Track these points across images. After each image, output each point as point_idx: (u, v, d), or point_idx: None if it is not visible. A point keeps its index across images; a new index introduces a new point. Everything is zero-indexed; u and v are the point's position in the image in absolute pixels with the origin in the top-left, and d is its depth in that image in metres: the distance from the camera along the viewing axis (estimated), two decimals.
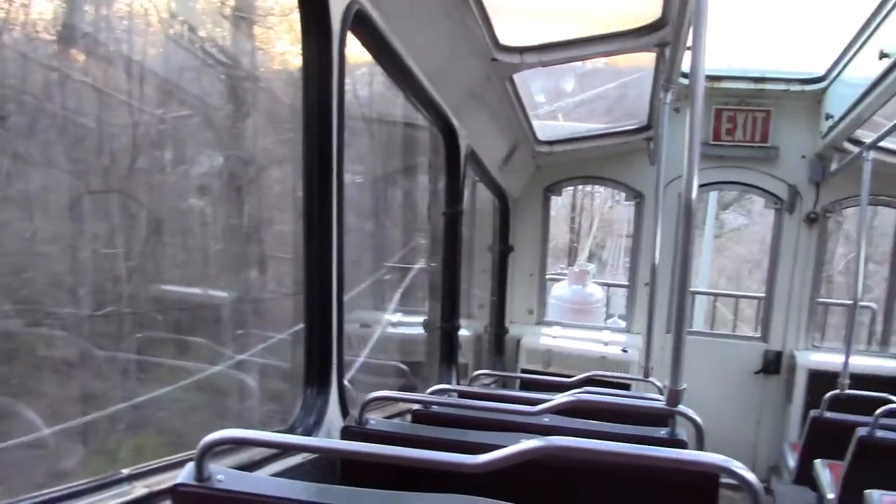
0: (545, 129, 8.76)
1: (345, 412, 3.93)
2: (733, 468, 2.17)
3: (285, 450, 3.22)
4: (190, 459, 2.23)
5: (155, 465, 2.80)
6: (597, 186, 36.44)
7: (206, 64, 4.13)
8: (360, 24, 3.87)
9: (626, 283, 10.88)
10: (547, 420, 3.75)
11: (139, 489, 2.66)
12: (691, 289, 4.71)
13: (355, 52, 4.32)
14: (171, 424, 3.94)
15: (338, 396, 3.88)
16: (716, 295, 20.41)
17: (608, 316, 14.74)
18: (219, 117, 4.36)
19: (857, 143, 8.09)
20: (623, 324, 10.70)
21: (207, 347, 4.21)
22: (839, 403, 6.87)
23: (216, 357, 4.24)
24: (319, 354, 3.80)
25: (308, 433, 3.68)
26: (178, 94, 3.99)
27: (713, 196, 22.87)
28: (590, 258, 33.72)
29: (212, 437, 2.23)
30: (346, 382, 4.03)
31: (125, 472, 2.69)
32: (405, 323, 7.25)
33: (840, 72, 8.32)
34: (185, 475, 2.22)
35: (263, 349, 4.76)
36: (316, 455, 3.38)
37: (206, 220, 4.33)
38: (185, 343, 4.02)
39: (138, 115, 3.73)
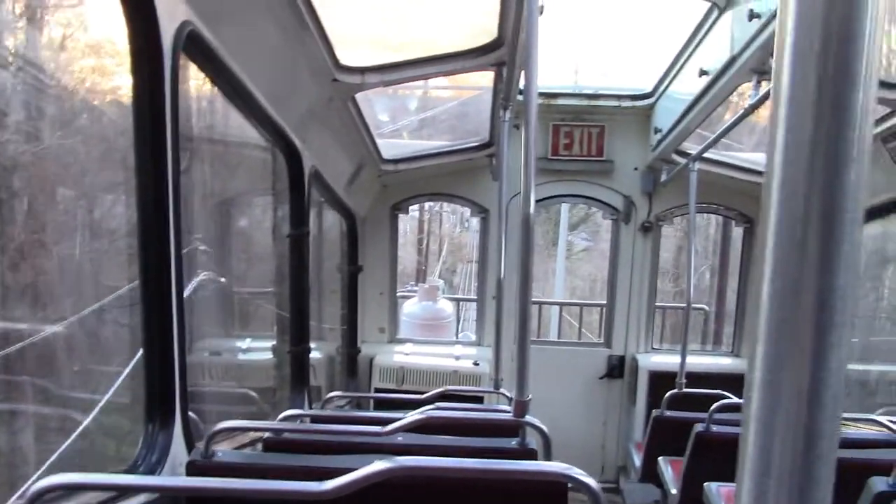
0: (390, 147, 8.81)
1: (190, 445, 3.78)
2: (574, 475, 2.25)
3: (125, 492, 3.06)
4: None
5: None
6: (445, 209, 36.99)
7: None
8: (194, 45, 3.77)
9: (475, 297, 11.06)
10: (400, 439, 3.75)
11: None
12: (534, 299, 4.85)
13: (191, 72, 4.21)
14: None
15: (182, 429, 3.73)
16: (561, 304, 21.09)
17: (459, 330, 14.95)
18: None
19: (683, 154, 8.57)
20: (474, 337, 10.87)
21: (33, 385, 3.95)
22: (678, 402, 7.23)
23: (46, 396, 3.99)
24: (160, 385, 3.65)
25: (151, 471, 3.52)
26: None
27: (564, 215, 23.62)
28: None
29: (41, 485, 2.09)
30: (191, 414, 3.88)
31: None
32: (254, 348, 7.07)
33: (666, 88, 8.80)
34: None
35: (101, 382, 4.52)
36: (158, 495, 3.24)
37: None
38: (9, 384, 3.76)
39: None
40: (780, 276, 0.93)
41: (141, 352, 3.69)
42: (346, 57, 5.85)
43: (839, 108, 0.90)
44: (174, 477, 3.44)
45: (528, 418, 3.52)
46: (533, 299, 3.82)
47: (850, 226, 0.90)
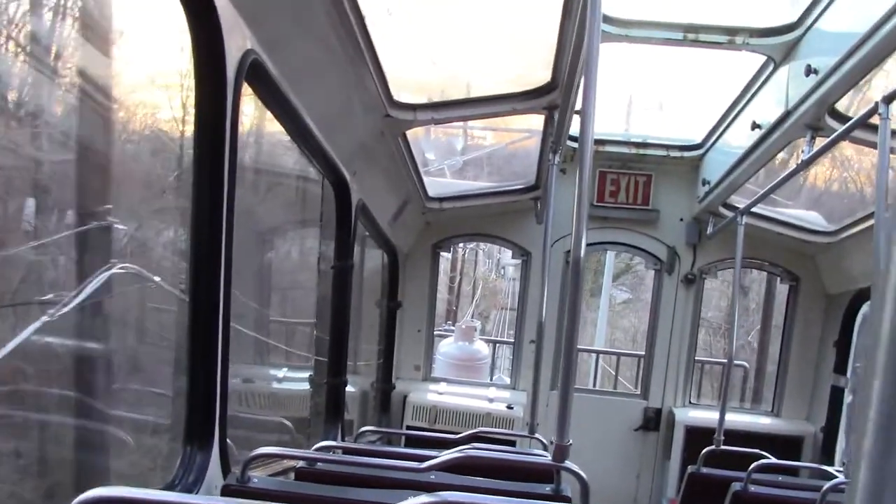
0: (435, 185, 8.87)
1: (226, 470, 3.79)
2: None
3: None
4: None
5: None
6: (481, 249, 36.92)
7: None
8: (256, 74, 3.84)
9: (512, 340, 11.00)
10: (433, 477, 3.72)
11: None
12: (578, 346, 4.81)
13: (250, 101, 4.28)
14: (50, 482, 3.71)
15: (219, 453, 3.74)
16: (599, 352, 20.89)
17: (493, 373, 14.85)
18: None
19: (731, 208, 8.50)
20: (508, 380, 10.80)
21: (84, 402, 3.99)
22: (715, 459, 7.09)
23: (94, 413, 4.03)
24: (201, 409, 3.67)
25: (187, 491, 3.53)
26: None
27: (609, 263, 23.49)
28: None
29: (85, 497, 2.11)
30: (227, 440, 3.89)
31: None
32: (291, 378, 7.10)
33: (716, 140, 8.77)
34: None
35: (145, 403, 4.56)
36: None
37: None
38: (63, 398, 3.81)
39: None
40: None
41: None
42: (400, 94, 5.93)
43: None
44: (211, 498, 3.44)
45: (567, 463, 3.47)
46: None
47: None
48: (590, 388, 14.28)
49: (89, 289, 3.72)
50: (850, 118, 5.18)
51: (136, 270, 4.21)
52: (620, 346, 32.20)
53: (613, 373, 19.76)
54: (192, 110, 3.52)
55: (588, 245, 9.97)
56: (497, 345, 18.64)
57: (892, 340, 0.90)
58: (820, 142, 5.55)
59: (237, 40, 3.51)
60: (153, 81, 4.27)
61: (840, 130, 5.07)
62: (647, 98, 10.26)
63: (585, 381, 18.25)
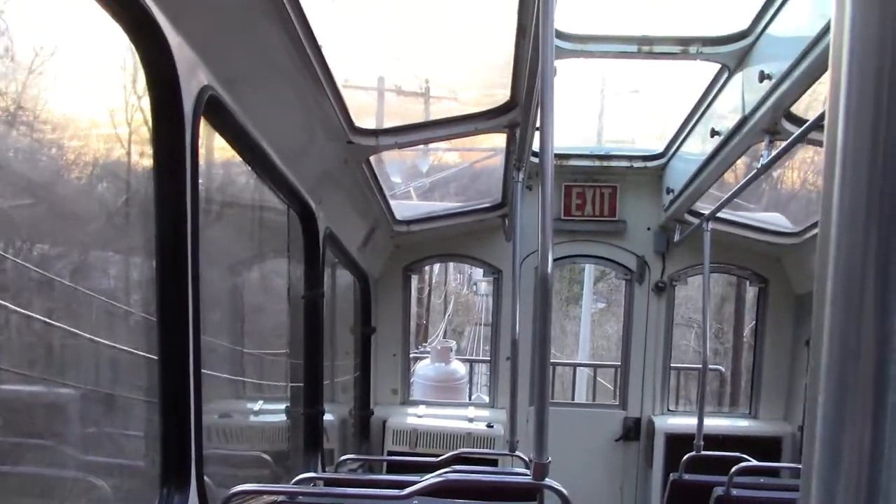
0: (403, 208, 8.87)
1: None
2: None
3: None
4: None
5: None
6: (451, 267, 36.93)
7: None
8: (213, 109, 3.83)
9: (488, 358, 10.99)
10: (416, 503, 3.69)
11: None
12: (551, 361, 4.81)
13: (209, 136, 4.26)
14: None
15: (197, 493, 3.69)
16: (575, 366, 20.93)
17: (472, 392, 14.82)
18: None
19: (696, 214, 8.58)
20: (487, 399, 10.77)
21: (52, 450, 3.92)
22: (696, 465, 7.11)
23: (63, 461, 3.96)
24: (176, 448, 3.62)
25: None
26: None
27: (589, 275, 23.59)
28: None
29: None
30: (205, 478, 3.84)
31: None
32: (268, 411, 7.03)
33: (677, 149, 8.86)
34: None
35: (119, 446, 4.48)
36: None
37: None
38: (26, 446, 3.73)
39: None
40: (838, 339, 0.92)
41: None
42: (361, 120, 5.94)
43: (893, 155, 0.90)
44: None
45: (547, 481, 3.46)
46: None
47: None
48: (568, 401, 14.27)
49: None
50: (805, 121, 5.26)
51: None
52: (605, 354, 32.32)
53: (605, 384, 19.78)
54: (149, 149, 3.50)
55: (557, 259, 10.08)
56: (474, 363, 18.63)
57: (834, 336, 0.94)
58: (778, 145, 5.63)
59: (193, 77, 3.50)
60: (109, 119, 4.23)
61: (796, 134, 5.15)
62: (610, 110, 10.39)
63: (569, 395, 18.24)
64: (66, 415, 4.09)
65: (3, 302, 3.47)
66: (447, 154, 9.63)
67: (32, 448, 3.78)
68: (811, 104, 5.66)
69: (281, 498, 4.13)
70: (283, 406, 6.82)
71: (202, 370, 3.75)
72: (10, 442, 3.65)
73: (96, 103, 4.04)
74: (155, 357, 3.63)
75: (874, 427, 0.91)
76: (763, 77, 5.37)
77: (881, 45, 0.91)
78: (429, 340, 27.85)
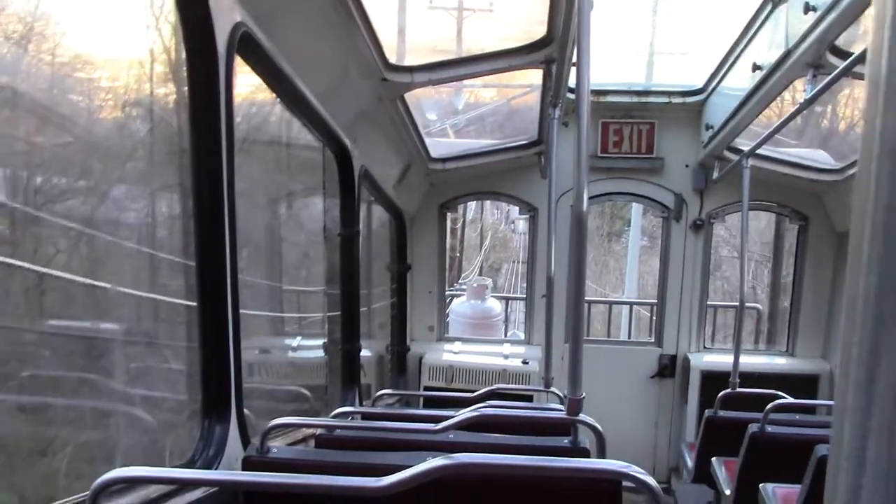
0: (438, 146, 8.83)
1: (245, 442, 3.84)
2: (633, 473, 2.23)
3: (184, 485, 3.12)
4: (83, 502, 2.15)
5: None
6: (487, 203, 36.80)
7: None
8: (247, 46, 3.82)
9: (524, 295, 11.03)
10: (451, 437, 3.75)
11: None
12: (586, 299, 4.85)
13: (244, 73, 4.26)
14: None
15: (237, 426, 3.79)
16: (611, 303, 20.90)
17: (507, 330, 14.92)
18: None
19: (736, 151, 8.45)
20: (522, 336, 10.84)
21: (97, 383, 4.04)
22: (732, 402, 7.13)
23: (109, 393, 4.08)
24: (216, 382, 3.70)
25: (208, 466, 3.58)
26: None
27: (637, 212, 23.37)
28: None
29: (104, 478, 2.15)
30: (245, 410, 3.94)
31: None
32: (306, 346, 7.15)
33: (717, 84, 8.69)
34: None
35: (161, 378, 4.60)
36: (217, 488, 3.29)
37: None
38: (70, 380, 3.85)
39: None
40: (875, 276, 0.91)
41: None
42: (395, 56, 5.89)
43: None
44: (232, 472, 3.49)
45: (581, 416, 3.51)
46: (589, 298, 3.81)
47: None
48: (603, 338, 14.31)
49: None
50: (851, 54, 5.12)
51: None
52: (651, 290, 32.18)
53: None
54: (185, 87, 3.51)
55: (593, 197, 10.02)
56: (510, 301, 18.72)
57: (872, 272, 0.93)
58: (822, 80, 5.49)
59: (226, 14, 3.49)
60: (144, 58, 4.25)
61: (841, 67, 5.01)
62: (648, 46, 10.16)
63: (613, 332, 18.21)
64: (113, 353, 4.22)
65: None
66: (482, 91, 9.54)
67: (84, 382, 3.91)
68: (855, 36, 5.49)
69: (319, 431, 4.22)
70: (321, 342, 6.94)
71: (240, 307, 3.81)
72: (66, 377, 3.77)
73: (131, 42, 4.06)
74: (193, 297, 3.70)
75: None
76: (808, 9, 5.22)
77: None
78: (462, 276, 27.82)
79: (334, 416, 4.53)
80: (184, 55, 3.48)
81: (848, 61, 4.86)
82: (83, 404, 3.85)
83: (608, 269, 35.91)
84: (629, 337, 18.43)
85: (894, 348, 0.92)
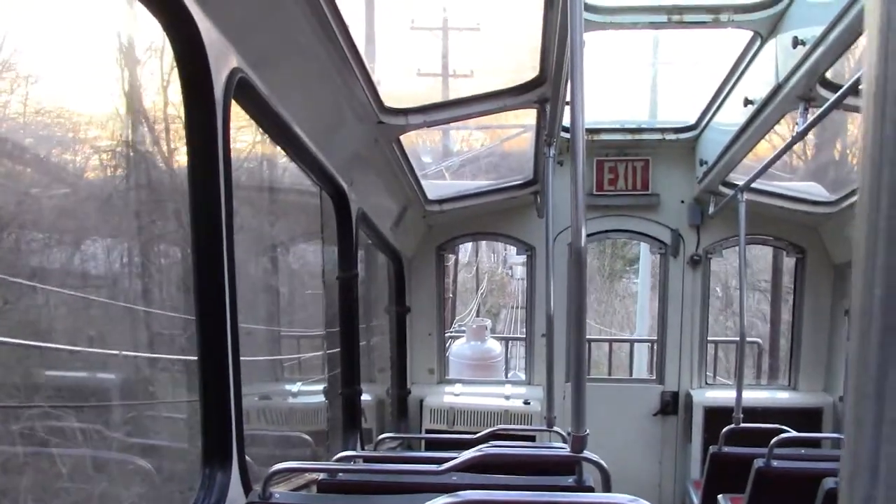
0: (434, 188, 8.87)
1: (248, 488, 3.79)
2: None
3: None
4: None
5: None
6: (483, 246, 36.75)
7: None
8: (244, 92, 3.84)
9: (523, 336, 11.00)
10: (455, 479, 3.72)
11: None
12: (588, 337, 4.83)
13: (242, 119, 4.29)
14: None
15: (239, 472, 3.74)
16: (611, 341, 20.83)
17: (508, 371, 14.85)
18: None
19: (730, 186, 8.49)
20: (523, 376, 10.78)
21: (98, 433, 4.01)
22: (736, 438, 7.08)
23: (109, 442, 4.04)
24: (217, 428, 3.67)
25: None
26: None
27: (644, 250, 23.37)
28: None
29: None
30: (247, 456, 3.90)
31: None
32: (306, 391, 7.11)
33: (710, 119, 8.75)
34: None
35: (161, 427, 4.57)
36: None
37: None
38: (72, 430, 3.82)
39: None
40: (879, 313, 0.91)
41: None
42: (390, 99, 5.94)
43: None
44: None
45: (586, 454, 3.47)
46: (590, 336, 3.80)
47: None
48: (605, 376, 14.23)
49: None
50: (840, 86, 5.18)
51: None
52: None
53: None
54: (182, 134, 3.53)
55: (590, 235, 10.03)
56: (510, 342, 18.64)
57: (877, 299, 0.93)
58: (813, 112, 5.54)
59: (223, 60, 3.52)
60: (142, 106, 4.28)
61: (832, 100, 5.06)
62: (640, 83, 10.23)
63: (622, 373, 18.07)
64: (111, 399, 4.19)
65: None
66: (478, 132, 9.60)
67: (83, 431, 3.88)
68: (846, 69, 5.56)
69: (322, 475, 4.18)
70: (321, 387, 6.90)
71: (240, 353, 3.79)
72: (63, 425, 3.74)
73: (130, 91, 4.09)
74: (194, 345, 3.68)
75: None
76: (797, 43, 5.29)
77: None
78: (457, 319, 27.70)
79: (336, 461, 4.48)
80: (180, 100, 3.50)
81: (838, 93, 4.91)
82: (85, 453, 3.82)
83: (613, 309, 35.73)
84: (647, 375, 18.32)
85: None
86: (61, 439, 3.64)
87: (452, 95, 6.61)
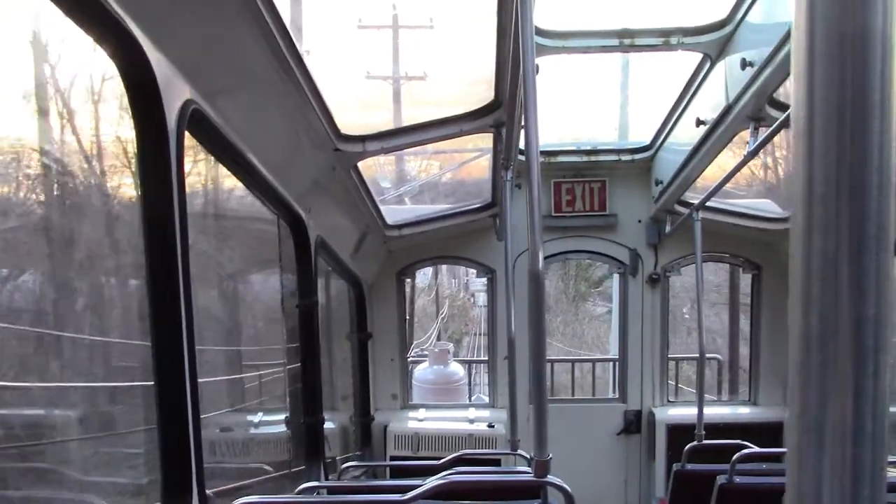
0: (393, 213, 8.87)
1: None
2: None
3: None
4: None
5: None
6: (444, 269, 36.65)
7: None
8: (197, 122, 3.81)
9: (486, 358, 11.00)
10: None
11: None
12: (550, 357, 4.85)
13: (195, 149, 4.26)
14: None
15: None
16: (572, 361, 20.86)
17: (472, 394, 14.81)
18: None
19: (686, 204, 8.60)
20: (487, 399, 10.77)
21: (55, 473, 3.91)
22: (699, 454, 7.13)
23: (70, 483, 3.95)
24: (177, 463, 3.60)
25: None
26: None
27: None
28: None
29: None
30: (208, 491, 3.83)
31: None
32: (268, 422, 7.02)
33: (664, 140, 8.88)
34: None
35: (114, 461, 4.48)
36: None
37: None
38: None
39: None
40: (815, 312, 0.93)
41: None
42: (347, 126, 5.94)
43: (860, 140, 0.91)
44: None
45: (549, 478, 3.47)
46: (551, 357, 3.80)
47: (881, 255, 0.91)
48: (567, 397, 14.25)
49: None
50: (789, 106, 5.29)
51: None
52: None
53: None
54: (134, 166, 3.49)
55: (549, 256, 10.08)
56: (473, 365, 18.59)
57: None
58: (763, 132, 5.65)
59: (175, 92, 3.49)
60: (95, 140, 4.23)
61: (781, 119, 5.17)
62: (597, 105, 10.34)
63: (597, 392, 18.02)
64: (66, 434, 4.10)
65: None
66: (436, 156, 9.64)
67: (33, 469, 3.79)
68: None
69: None
70: (283, 416, 6.82)
71: (199, 383, 3.73)
72: (14, 464, 3.65)
73: (80, 123, 4.04)
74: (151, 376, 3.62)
75: (854, 404, 0.92)
76: (745, 64, 5.40)
77: (841, 36, 0.92)
78: (414, 343, 27.58)
79: (299, 493, 4.43)
80: (132, 133, 3.45)
81: (787, 113, 5.02)
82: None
83: (582, 331, 35.78)
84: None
85: (838, 390, 0.93)
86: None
87: (407, 121, 6.64)
